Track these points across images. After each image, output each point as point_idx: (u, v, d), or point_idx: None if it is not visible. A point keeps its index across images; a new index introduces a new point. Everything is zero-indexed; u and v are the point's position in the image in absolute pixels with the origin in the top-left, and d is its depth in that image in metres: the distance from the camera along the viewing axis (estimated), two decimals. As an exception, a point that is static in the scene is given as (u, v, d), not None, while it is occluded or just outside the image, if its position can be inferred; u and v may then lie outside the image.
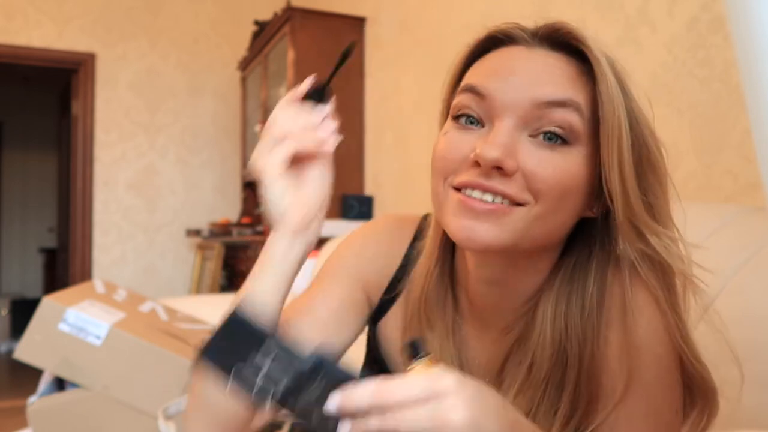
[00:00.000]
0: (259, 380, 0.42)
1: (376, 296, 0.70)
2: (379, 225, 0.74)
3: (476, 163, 0.54)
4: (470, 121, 0.57)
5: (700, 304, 0.58)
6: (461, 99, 0.57)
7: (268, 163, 0.58)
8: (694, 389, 0.58)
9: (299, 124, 0.57)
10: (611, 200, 0.55)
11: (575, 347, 0.58)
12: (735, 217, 0.91)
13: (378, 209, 3.00)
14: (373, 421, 0.40)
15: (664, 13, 1.39)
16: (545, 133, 0.54)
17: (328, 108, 0.59)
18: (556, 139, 0.54)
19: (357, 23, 3.10)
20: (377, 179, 3.00)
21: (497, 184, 0.53)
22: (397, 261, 0.70)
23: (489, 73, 0.56)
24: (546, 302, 0.59)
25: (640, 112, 0.56)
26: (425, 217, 0.72)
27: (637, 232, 0.55)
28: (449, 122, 0.59)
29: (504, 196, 0.53)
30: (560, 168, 0.53)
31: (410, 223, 0.72)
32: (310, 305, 0.68)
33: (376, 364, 0.71)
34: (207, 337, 0.45)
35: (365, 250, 0.71)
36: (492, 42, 0.60)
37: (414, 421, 0.39)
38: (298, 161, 0.58)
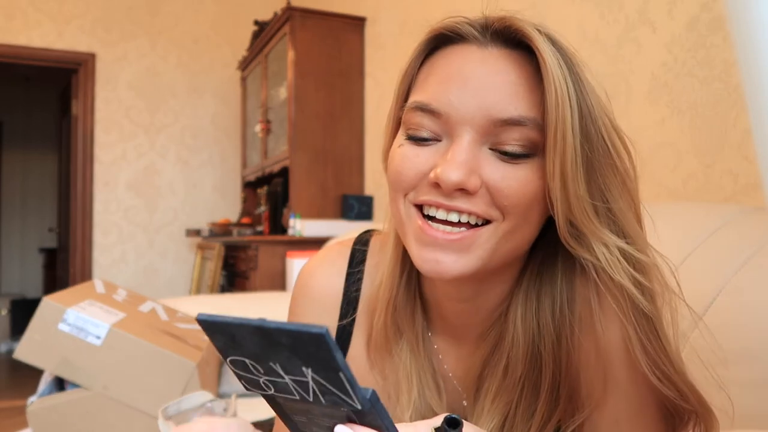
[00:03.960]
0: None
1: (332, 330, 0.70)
2: (301, 280, 0.72)
3: (435, 185, 0.51)
4: (419, 139, 0.54)
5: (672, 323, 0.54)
6: (413, 117, 0.54)
7: None
8: (679, 405, 0.54)
9: None
10: (551, 205, 0.52)
11: (549, 346, 0.57)
12: (735, 217, 0.91)
13: (378, 209, 3.00)
14: None
15: (664, 13, 1.39)
16: (505, 152, 0.51)
17: None
18: (518, 155, 0.51)
19: (357, 23, 3.10)
20: (377, 179, 3.00)
21: (461, 203, 0.51)
22: (338, 304, 0.68)
23: (441, 86, 0.53)
24: (516, 303, 0.59)
25: (597, 109, 0.52)
26: (360, 237, 0.70)
27: (578, 239, 0.52)
28: (402, 135, 0.56)
29: (470, 213, 0.51)
30: (524, 181, 0.51)
31: (337, 251, 0.70)
32: None
33: None
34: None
35: (301, 317, 0.71)
36: (441, 41, 0.56)
37: None
38: None
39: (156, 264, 4.14)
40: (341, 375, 0.36)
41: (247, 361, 0.39)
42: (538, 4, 1.78)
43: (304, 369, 0.37)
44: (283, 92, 3.21)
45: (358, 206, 2.97)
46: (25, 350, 1.41)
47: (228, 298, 2.44)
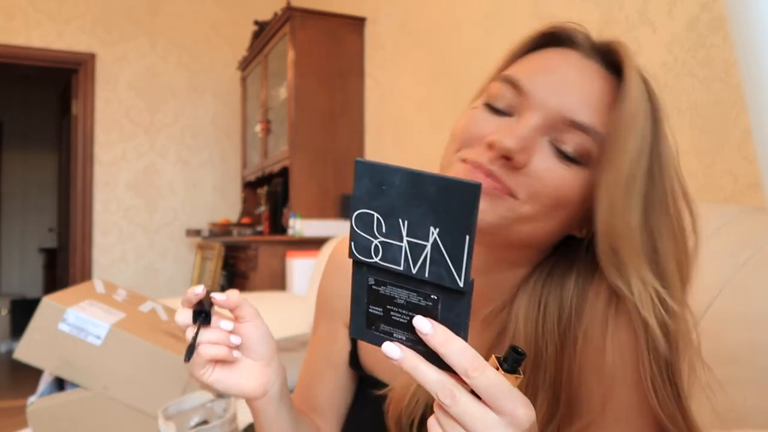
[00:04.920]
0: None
1: (347, 314, 0.73)
2: (332, 255, 0.78)
3: (490, 146, 0.54)
4: (495, 109, 0.57)
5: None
6: (498, 87, 0.58)
7: (196, 374, 0.57)
8: None
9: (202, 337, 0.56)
10: (597, 226, 0.54)
11: (551, 351, 0.57)
12: (735, 217, 0.91)
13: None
14: (442, 381, 0.40)
15: (664, 13, 1.39)
16: (560, 150, 0.54)
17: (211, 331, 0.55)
18: (570, 158, 0.54)
19: (357, 23, 3.10)
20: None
21: (500, 173, 0.54)
22: None
23: (533, 70, 0.57)
24: (521, 299, 0.60)
25: (667, 155, 0.56)
26: None
27: (617, 267, 0.54)
28: (480, 102, 0.59)
29: (501, 184, 0.54)
30: (565, 181, 0.54)
31: None
32: (308, 359, 0.78)
33: (358, 371, 0.75)
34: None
35: (328, 287, 0.77)
36: (551, 39, 0.61)
37: (475, 418, 0.39)
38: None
39: (156, 264, 4.14)
40: (467, 238, 0.38)
41: (375, 215, 0.41)
42: (539, 4, 1.78)
43: (431, 229, 0.39)
44: (283, 92, 3.21)
45: (358, 206, 2.97)
46: (25, 350, 1.41)
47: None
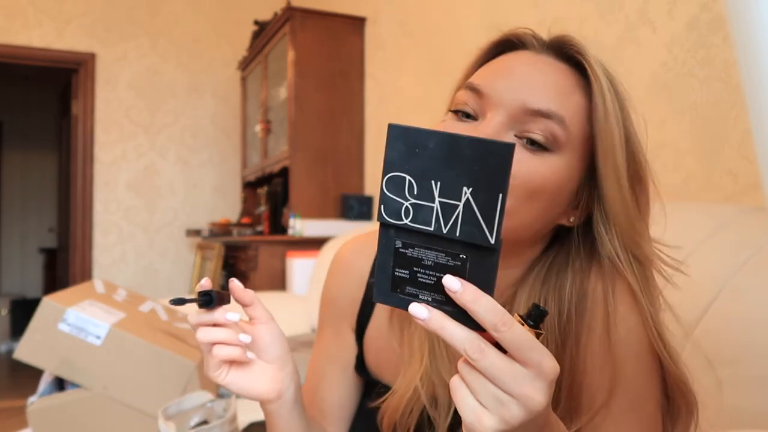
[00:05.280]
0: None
1: (353, 317, 0.75)
2: (337, 256, 0.79)
3: None
4: (466, 115, 0.60)
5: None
6: (461, 95, 0.61)
7: (212, 376, 0.58)
8: (674, 393, 0.59)
9: (203, 337, 0.56)
10: (605, 211, 0.58)
11: (551, 349, 0.58)
12: (735, 217, 0.91)
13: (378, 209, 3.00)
14: (470, 337, 0.41)
15: (664, 13, 1.39)
16: (528, 138, 0.56)
17: (224, 314, 0.57)
18: (538, 145, 0.56)
19: (357, 23, 3.10)
20: (377, 179, 3.00)
21: None
22: (364, 279, 0.75)
23: (491, 74, 0.60)
24: (521, 298, 0.61)
25: (635, 133, 0.60)
26: None
27: (636, 238, 0.58)
28: (448, 113, 0.63)
29: None
30: (536, 170, 0.56)
31: (371, 238, 0.77)
32: (314, 362, 0.78)
33: (363, 375, 0.75)
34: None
35: (333, 288, 0.77)
36: (506, 45, 0.64)
37: (503, 371, 0.40)
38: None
39: (156, 264, 4.14)
40: (501, 196, 0.40)
41: (407, 178, 0.43)
42: (539, 3, 1.78)
43: (464, 189, 0.41)
44: (283, 92, 3.21)
45: (358, 206, 2.97)
46: (25, 350, 1.41)
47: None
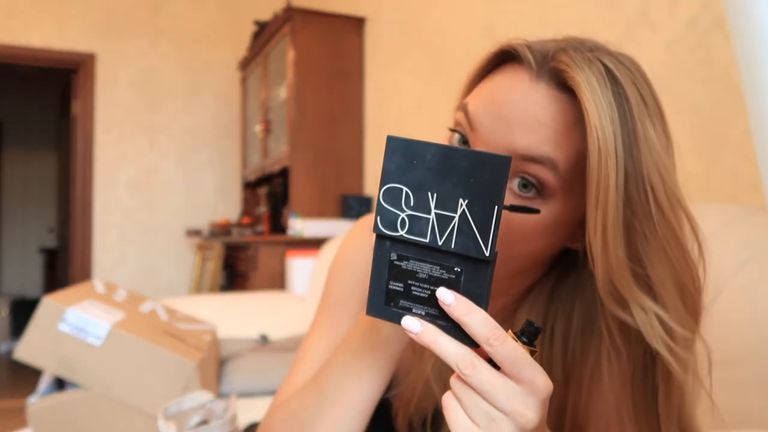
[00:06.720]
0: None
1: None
2: (353, 235, 0.74)
3: None
4: (463, 141, 0.56)
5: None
6: (459, 116, 0.57)
7: None
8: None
9: None
10: (592, 261, 0.50)
11: (557, 377, 0.57)
12: (735, 217, 0.91)
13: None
14: (463, 352, 0.41)
15: (664, 13, 1.39)
16: (519, 181, 0.52)
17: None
18: (530, 188, 0.51)
19: (357, 23, 3.10)
20: (377, 179, 3.00)
21: None
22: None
23: (485, 103, 0.54)
24: (521, 314, 0.60)
25: (648, 167, 0.50)
26: None
27: (618, 299, 0.51)
28: (450, 132, 0.59)
29: None
30: (528, 219, 0.51)
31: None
32: (303, 353, 0.70)
33: None
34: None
35: (346, 270, 0.72)
36: (506, 55, 0.58)
37: (496, 387, 0.40)
38: None
39: (156, 264, 4.14)
40: (496, 208, 0.41)
41: (404, 189, 0.43)
42: (539, 3, 1.78)
43: (460, 201, 0.41)
44: (283, 92, 3.21)
45: (358, 206, 2.97)
46: (25, 350, 1.41)
47: (228, 298, 2.44)
